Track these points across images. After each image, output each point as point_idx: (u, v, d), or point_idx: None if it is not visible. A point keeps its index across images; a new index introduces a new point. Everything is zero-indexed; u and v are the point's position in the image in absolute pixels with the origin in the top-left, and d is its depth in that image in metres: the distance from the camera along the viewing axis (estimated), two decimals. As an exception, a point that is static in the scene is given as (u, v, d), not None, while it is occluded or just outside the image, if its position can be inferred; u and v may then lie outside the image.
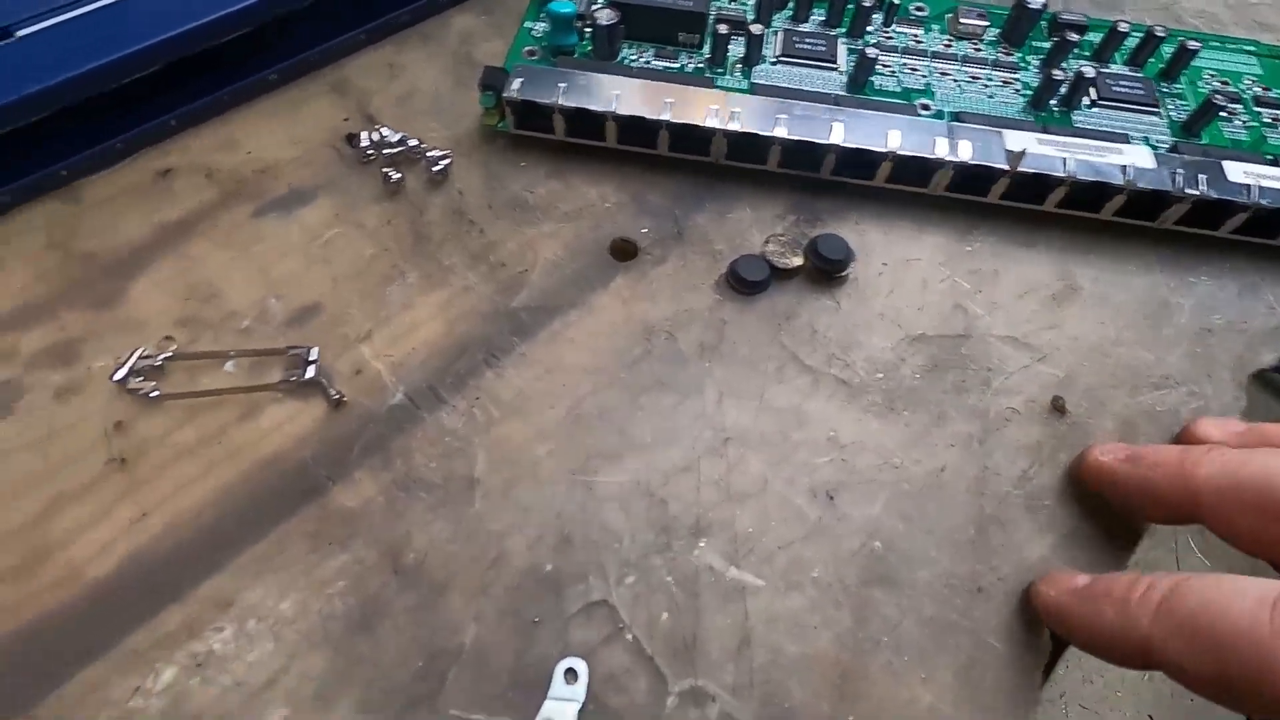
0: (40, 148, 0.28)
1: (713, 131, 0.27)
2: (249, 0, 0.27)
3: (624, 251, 0.27)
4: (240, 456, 0.22)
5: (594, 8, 0.31)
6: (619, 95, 0.28)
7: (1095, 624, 0.18)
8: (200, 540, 0.21)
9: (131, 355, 0.23)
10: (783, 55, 0.31)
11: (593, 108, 0.27)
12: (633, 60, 0.31)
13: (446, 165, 0.28)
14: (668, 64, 0.31)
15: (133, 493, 0.22)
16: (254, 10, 0.28)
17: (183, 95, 0.29)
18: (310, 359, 0.23)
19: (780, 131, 0.27)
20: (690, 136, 0.28)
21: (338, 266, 0.26)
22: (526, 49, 0.31)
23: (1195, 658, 0.16)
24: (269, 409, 0.23)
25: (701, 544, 0.22)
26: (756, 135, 0.27)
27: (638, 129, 0.28)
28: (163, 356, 0.23)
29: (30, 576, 0.20)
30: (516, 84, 0.28)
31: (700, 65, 0.31)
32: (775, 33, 0.32)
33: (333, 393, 0.23)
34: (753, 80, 0.30)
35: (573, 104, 0.27)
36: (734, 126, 0.27)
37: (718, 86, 0.30)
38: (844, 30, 0.33)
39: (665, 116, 0.27)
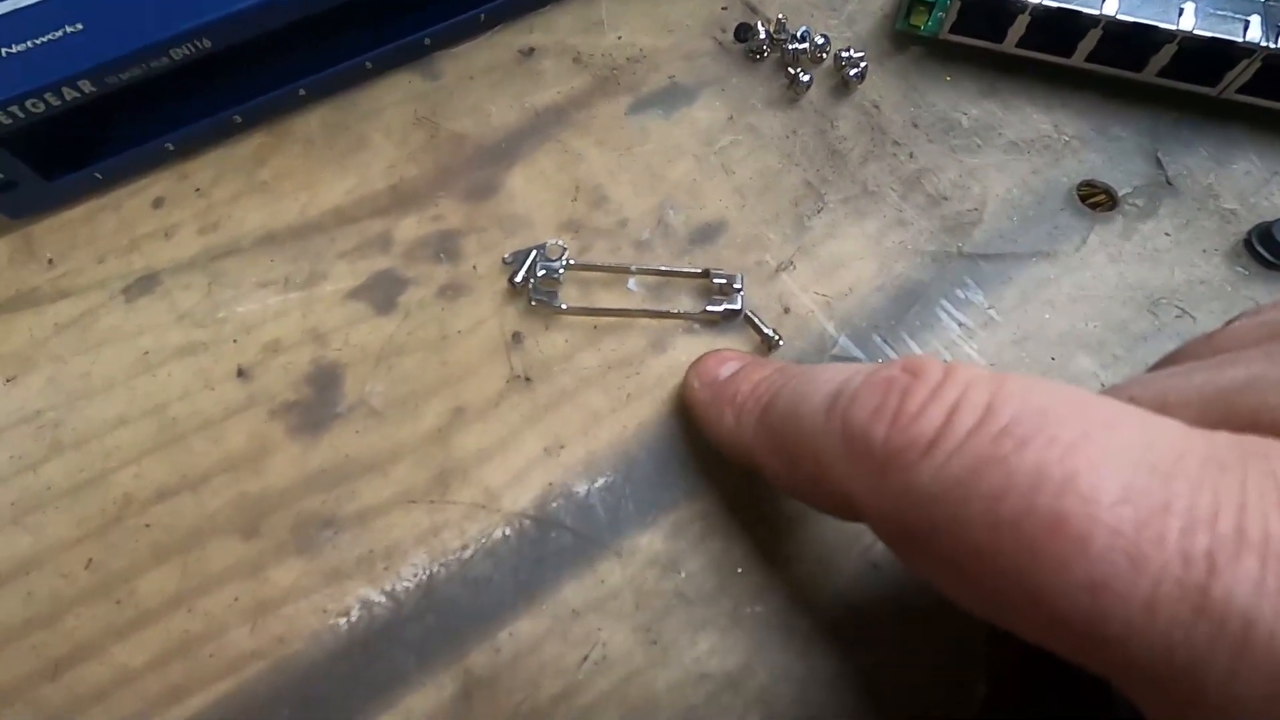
0: (406, 14, 0.25)
1: (1250, 50, 0.21)
2: None
3: (1097, 199, 0.22)
4: (656, 393, 0.19)
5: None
6: (1110, -5, 0.22)
7: (716, 426, 0.17)
8: (624, 484, 0.18)
9: (529, 258, 0.20)
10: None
11: (1080, 9, 0.22)
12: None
13: (863, 69, 0.23)
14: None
15: (541, 418, 0.19)
16: None
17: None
18: (737, 287, 0.20)
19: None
20: (1201, 60, 0.21)
21: (740, 178, 0.22)
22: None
23: (780, 465, 0.15)
24: (680, 340, 0.20)
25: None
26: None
27: (1120, 44, 0.22)
28: (561, 264, 0.20)
29: (446, 496, 0.18)
30: (977, -28, 0.22)
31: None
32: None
33: (768, 331, 0.19)
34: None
35: (1055, 3, 0.22)
36: None
37: None
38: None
39: (1182, 27, 0.21)
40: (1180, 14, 0.21)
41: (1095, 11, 0.21)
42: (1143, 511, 0.10)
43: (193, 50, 0.20)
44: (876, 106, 0.23)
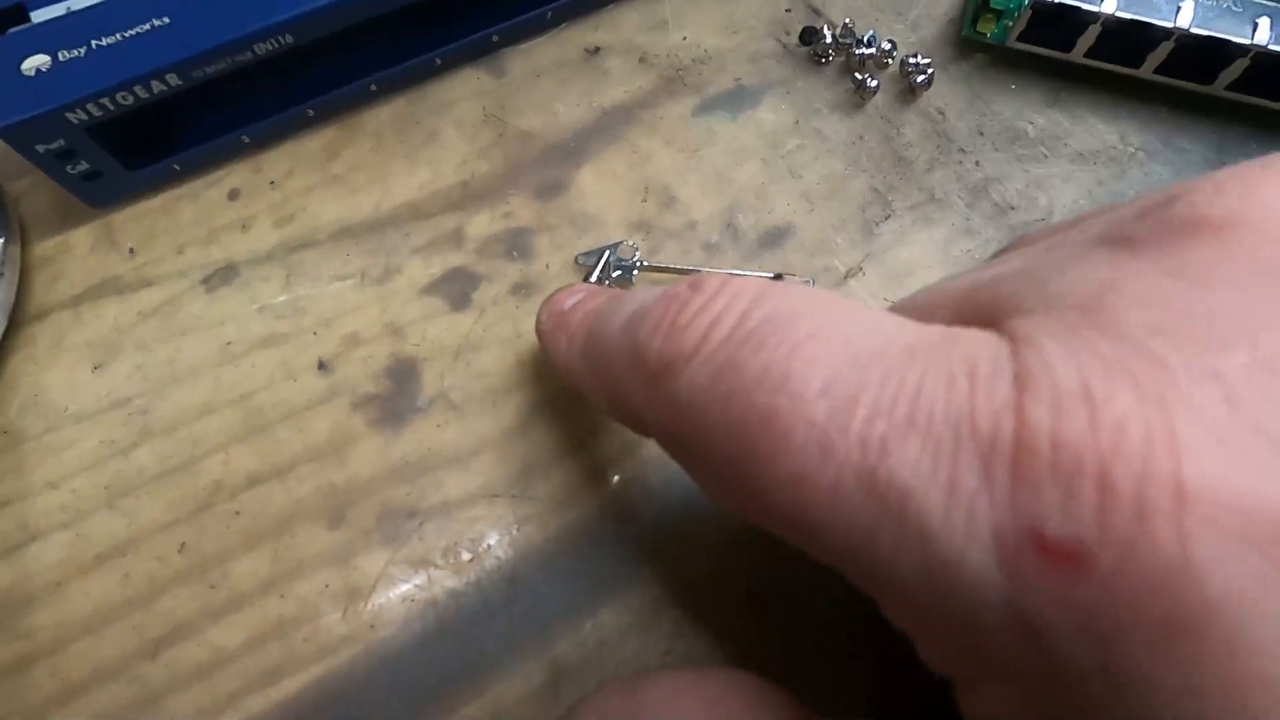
0: (476, 11, 0.25)
1: (1324, 67, 0.21)
2: None
3: (1162, 210, 0.22)
4: (729, 394, 0.20)
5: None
6: (1184, 7, 0.22)
7: (554, 353, 0.17)
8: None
9: (602, 258, 0.21)
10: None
11: (1152, 20, 0.22)
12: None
13: (930, 75, 0.24)
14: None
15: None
16: None
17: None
18: (809, 292, 0.20)
19: None
20: (1272, 74, 0.21)
21: (808, 183, 0.23)
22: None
23: (592, 385, 0.16)
24: (751, 342, 0.20)
25: None
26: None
27: (1191, 57, 0.22)
28: (635, 264, 0.21)
29: (528, 491, 0.18)
30: (1051, -19, 0.22)
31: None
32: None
33: None
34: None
35: (1128, 14, 0.22)
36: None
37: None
38: None
39: (1256, 41, 0.21)
40: (1255, 28, 0.21)
41: (1169, 24, 0.21)
42: (836, 402, 0.10)
43: (276, 45, 0.21)
44: (942, 113, 0.23)
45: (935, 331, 0.11)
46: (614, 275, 0.20)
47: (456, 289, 0.21)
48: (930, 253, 0.21)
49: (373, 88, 0.24)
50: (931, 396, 0.10)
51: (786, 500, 0.10)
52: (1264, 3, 0.22)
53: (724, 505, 0.13)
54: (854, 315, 0.11)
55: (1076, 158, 0.23)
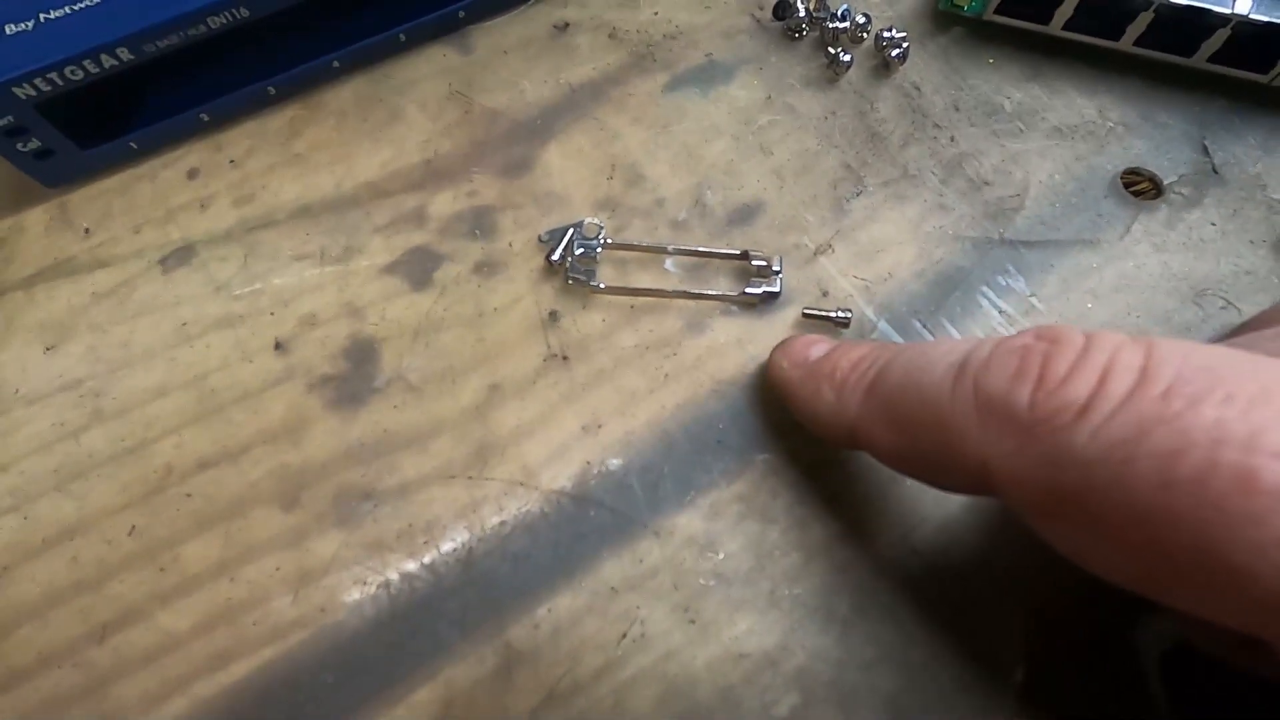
0: (440, -16, 0.24)
1: (1306, 37, 0.20)
2: None
3: (1141, 187, 0.22)
4: (694, 374, 0.19)
5: None
6: (1163, -22, 0.21)
7: (814, 404, 0.17)
8: (662, 464, 0.18)
9: (566, 236, 0.20)
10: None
11: (1131, -9, 0.21)
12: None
13: (905, 49, 0.23)
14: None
15: (579, 396, 0.19)
16: None
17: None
18: (776, 270, 0.20)
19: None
20: (1254, 45, 0.21)
21: (779, 159, 0.22)
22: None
23: (893, 438, 0.15)
24: (718, 322, 0.20)
25: None
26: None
27: (1170, 28, 0.22)
28: (598, 242, 0.20)
29: (485, 472, 0.18)
30: (1027, -49, 0.22)
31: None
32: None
33: (834, 314, 0.19)
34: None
35: (1106, -17, 0.21)
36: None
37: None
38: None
39: (1237, 11, 0.21)
40: (1235, -2, 0.21)
41: (1147, -6, 0.21)
42: None
43: (230, 19, 0.20)
44: (917, 88, 0.23)
45: None
46: (576, 253, 0.20)
47: (417, 268, 0.21)
48: (902, 229, 0.21)
49: (335, 65, 0.23)
50: None
51: (1275, 562, 0.10)
52: (1246, -29, 0.21)
53: (1112, 569, 0.12)
54: (1268, 365, 0.11)
55: (1053, 132, 0.22)
